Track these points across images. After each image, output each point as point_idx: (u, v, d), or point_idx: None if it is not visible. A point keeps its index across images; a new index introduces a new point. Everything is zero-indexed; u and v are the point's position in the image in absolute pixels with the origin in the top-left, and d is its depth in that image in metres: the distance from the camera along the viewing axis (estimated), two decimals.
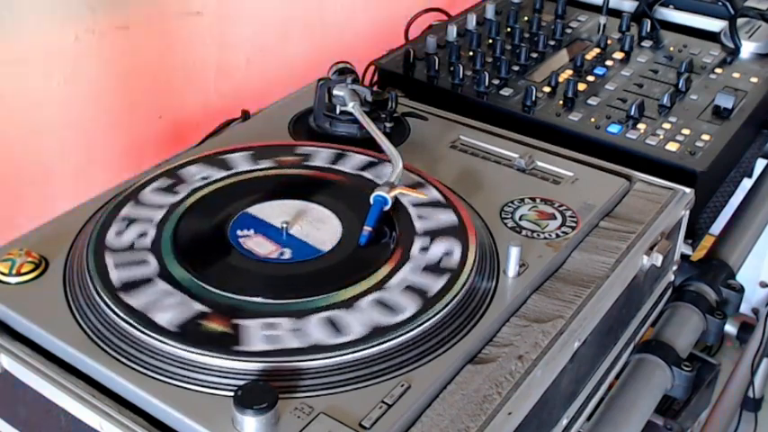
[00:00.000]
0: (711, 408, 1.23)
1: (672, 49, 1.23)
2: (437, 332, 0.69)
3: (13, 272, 0.74)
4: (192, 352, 0.65)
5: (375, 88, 1.04)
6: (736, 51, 1.22)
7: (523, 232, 0.83)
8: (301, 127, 1.00)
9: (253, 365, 0.64)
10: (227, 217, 0.80)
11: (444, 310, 0.70)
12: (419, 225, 0.80)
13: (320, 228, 0.80)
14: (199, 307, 0.69)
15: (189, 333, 0.67)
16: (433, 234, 0.79)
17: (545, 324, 0.73)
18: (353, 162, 0.89)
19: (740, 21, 1.25)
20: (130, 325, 0.67)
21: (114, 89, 1.11)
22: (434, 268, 0.75)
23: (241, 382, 0.62)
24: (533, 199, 0.88)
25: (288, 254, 0.76)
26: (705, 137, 1.02)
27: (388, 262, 0.75)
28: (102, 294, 0.70)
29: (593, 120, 1.05)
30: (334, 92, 0.96)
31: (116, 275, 0.72)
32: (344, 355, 0.65)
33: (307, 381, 0.64)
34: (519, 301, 0.76)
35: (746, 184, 1.19)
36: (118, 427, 0.63)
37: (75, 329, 0.69)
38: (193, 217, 0.80)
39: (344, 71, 1.00)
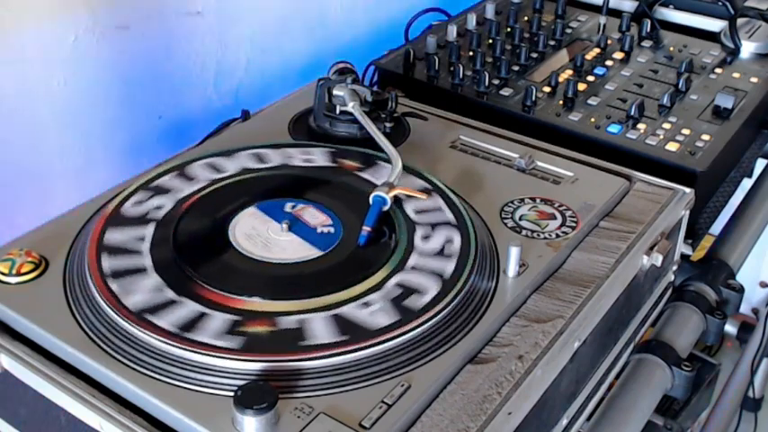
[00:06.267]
0: (711, 408, 1.23)
1: (672, 49, 1.23)
2: (437, 332, 0.69)
3: (13, 272, 0.74)
4: (192, 352, 0.65)
5: (375, 88, 1.04)
6: (736, 51, 1.22)
7: (523, 232, 0.83)
8: (301, 127, 1.00)
9: (253, 365, 0.64)
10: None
11: (444, 311, 0.70)
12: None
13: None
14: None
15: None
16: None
17: (545, 324, 0.73)
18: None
19: (740, 21, 1.25)
20: (131, 325, 0.67)
21: (114, 89, 1.11)
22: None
23: (241, 382, 0.62)
24: (533, 199, 0.88)
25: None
26: (705, 137, 1.02)
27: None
28: (102, 294, 0.70)
29: (593, 120, 1.05)
30: (335, 92, 0.96)
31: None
32: (344, 354, 0.65)
33: (307, 381, 0.64)
34: (519, 301, 0.76)
35: (746, 184, 1.19)
36: (118, 427, 0.63)
37: (76, 329, 0.69)
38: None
39: (344, 71, 1.00)
